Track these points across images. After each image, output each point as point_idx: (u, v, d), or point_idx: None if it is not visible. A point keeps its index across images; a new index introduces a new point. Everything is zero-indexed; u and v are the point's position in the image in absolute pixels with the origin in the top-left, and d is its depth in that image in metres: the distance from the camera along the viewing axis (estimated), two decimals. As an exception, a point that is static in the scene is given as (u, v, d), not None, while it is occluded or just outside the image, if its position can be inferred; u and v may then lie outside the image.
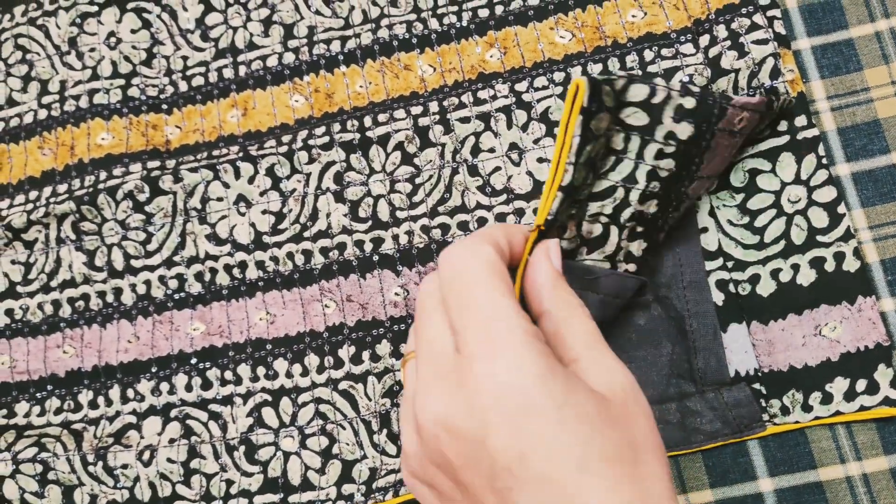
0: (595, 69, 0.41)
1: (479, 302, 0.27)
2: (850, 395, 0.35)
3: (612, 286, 0.34)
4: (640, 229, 0.35)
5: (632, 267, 0.35)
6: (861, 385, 0.35)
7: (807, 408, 0.36)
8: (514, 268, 0.30)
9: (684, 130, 0.33)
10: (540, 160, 0.41)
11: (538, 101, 0.42)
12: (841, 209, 0.37)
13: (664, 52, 0.41)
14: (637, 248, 0.35)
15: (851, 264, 0.37)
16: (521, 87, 0.42)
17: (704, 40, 0.40)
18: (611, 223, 0.34)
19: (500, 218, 0.41)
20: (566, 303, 0.29)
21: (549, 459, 0.25)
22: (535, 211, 0.40)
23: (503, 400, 0.26)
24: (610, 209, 0.33)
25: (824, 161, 0.38)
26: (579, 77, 0.30)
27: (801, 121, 0.38)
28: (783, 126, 0.39)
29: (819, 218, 0.37)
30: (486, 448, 0.26)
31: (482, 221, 0.41)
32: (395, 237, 0.42)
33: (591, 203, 0.33)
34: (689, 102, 0.32)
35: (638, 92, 0.32)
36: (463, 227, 0.41)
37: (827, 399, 0.36)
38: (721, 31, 0.39)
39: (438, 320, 0.28)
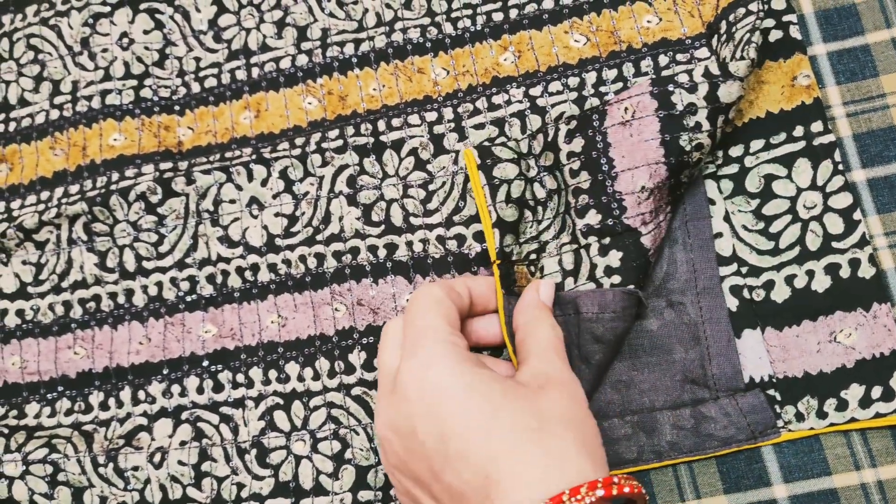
0: (610, 75, 0.41)
1: (416, 321, 0.33)
2: (865, 402, 0.35)
3: (590, 303, 0.36)
4: (606, 241, 0.37)
5: (616, 278, 0.36)
6: (877, 392, 0.35)
7: (822, 414, 0.36)
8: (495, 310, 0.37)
9: (577, 144, 0.38)
10: (554, 164, 0.41)
11: (552, 105, 0.42)
12: (856, 215, 0.37)
13: (679, 57, 0.40)
14: (614, 259, 0.36)
15: (867, 271, 0.37)
16: (536, 91, 0.42)
17: (715, 41, 0.40)
18: (578, 248, 0.38)
19: None
20: (535, 318, 0.35)
21: (463, 436, 0.29)
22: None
23: (421, 391, 0.31)
24: (569, 236, 0.38)
25: (840, 167, 0.38)
26: (467, 148, 0.40)
27: (817, 126, 0.38)
28: (799, 132, 0.38)
29: (834, 224, 0.37)
30: (417, 437, 0.30)
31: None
32: (409, 244, 0.41)
33: (556, 239, 0.39)
34: (572, 124, 0.38)
35: (540, 140, 0.39)
36: (479, 238, 0.41)
37: (842, 406, 0.36)
38: (723, 26, 0.39)
39: (391, 348, 0.34)
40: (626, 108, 0.37)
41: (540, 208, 0.39)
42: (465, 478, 0.29)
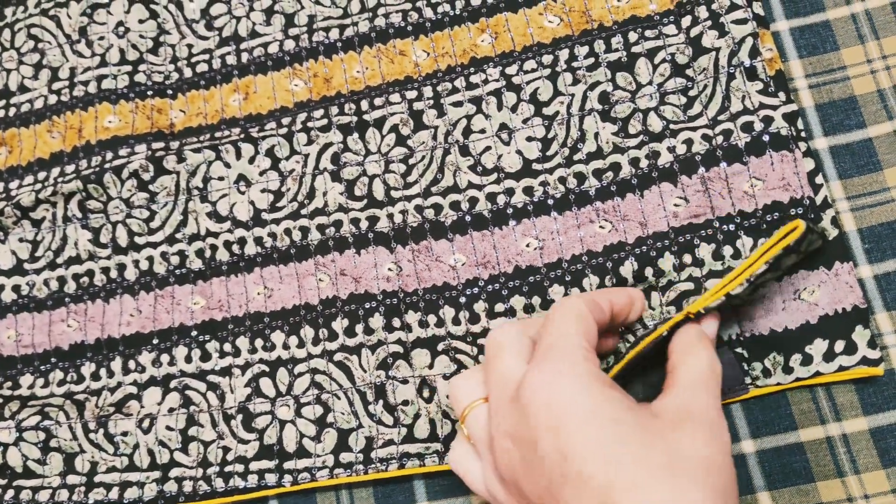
0: (582, 51, 0.43)
1: (553, 332, 0.32)
2: (829, 356, 0.36)
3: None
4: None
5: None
6: (840, 346, 0.36)
7: (787, 370, 0.37)
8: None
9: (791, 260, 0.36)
10: (529, 139, 0.42)
11: (527, 83, 0.43)
12: (819, 180, 0.39)
13: (647, 33, 0.42)
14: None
15: (829, 232, 0.38)
16: (511, 70, 0.44)
17: (686, 21, 0.41)
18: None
19: (491, 198, 0.42)
20: (692, 346, 0.34)
21: (584, 457, 0.28)
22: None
23: (549, 404, 0.29)
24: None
25: (803, 134, 0.39)
26: (800, 221, 0.35)
27: (781, 97, 0.40)
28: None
29: (798, 189, 0.39)
30: (537, 451, 0.29)
31: (473, 201, 0.42)
32: (390, 216, 0.43)
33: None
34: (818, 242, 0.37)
35: (816, 245, 0.37)
36: (455, 206, 0.42)
37: (807, 360, 0.37)
38: (702, 11, 0.41)
39: (512, 355, 0.33)
40: None
41: None
42: (584, 502, 0.28)
